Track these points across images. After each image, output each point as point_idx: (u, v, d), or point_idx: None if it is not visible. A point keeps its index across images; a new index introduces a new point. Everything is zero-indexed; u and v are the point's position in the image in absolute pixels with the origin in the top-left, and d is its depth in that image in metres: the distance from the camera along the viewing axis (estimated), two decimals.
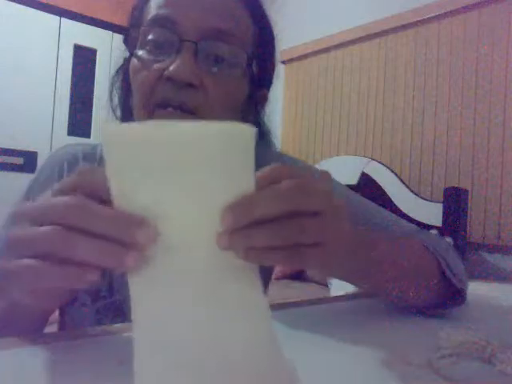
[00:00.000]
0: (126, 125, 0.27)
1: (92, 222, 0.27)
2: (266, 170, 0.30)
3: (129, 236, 0.26)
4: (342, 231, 0.33)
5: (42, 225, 0.29)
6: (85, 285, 0.28)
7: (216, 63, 0.49)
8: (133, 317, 0.28)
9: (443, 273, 0.52)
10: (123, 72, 0.58)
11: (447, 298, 0.53)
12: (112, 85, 0.60)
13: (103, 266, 0.28)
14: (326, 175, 0.34)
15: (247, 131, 0.27)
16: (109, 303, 0.57)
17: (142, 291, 0.28)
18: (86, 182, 0.29)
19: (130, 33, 0.53)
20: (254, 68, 0.53)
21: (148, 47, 0.49)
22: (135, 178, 0.26)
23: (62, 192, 0.30)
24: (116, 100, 0.60)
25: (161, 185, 0.26)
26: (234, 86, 0.51)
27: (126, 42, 0.54)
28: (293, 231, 0.29)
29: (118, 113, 0.60)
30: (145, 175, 0.26)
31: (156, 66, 0.48)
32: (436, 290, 0.52)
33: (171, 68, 0.46)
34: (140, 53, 0.50)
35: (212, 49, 0.48)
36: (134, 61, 0.51)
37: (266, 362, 0.29)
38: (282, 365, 0.29)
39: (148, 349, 0.28)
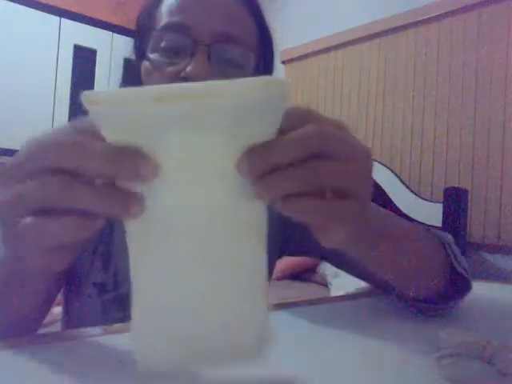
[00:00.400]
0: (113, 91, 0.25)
1: (87, 159, 0.25)
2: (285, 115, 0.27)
3: (130, 169, 0.25)
4: (371, 179, 0.32)
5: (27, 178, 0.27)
6: (92, 234, 0.27)
7: (227, 65, 0.51)
8: (131, 272, 0.28)
9: (451, 264, 0.53)
10: (131, 74, 0.60)
11: (451, 293, 0.53)
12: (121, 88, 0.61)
13: (106, 213, 0.26)
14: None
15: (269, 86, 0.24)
16: (113, 296, 0.57)
17: (138, 241, 0.28)
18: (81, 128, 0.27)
19: (139, 36, 0.56)
20: (260, 68, 0.56)
21: (162, 51, 0.52)
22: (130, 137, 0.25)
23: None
24: None
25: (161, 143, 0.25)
26: None
27: (135, 45, 0.56)
28: (319, 172, 0.27)
29: None
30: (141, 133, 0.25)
31: (171, 68, 0.51)
32: (442, 281, 0.52)
33: (188, 69, 0.49)
34: (153, 56, 0.52)
35: (223, 51, 0.51)
36: (147, 64, 0.53)
37: (254, 319, 0.29)
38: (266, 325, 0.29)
39: (145, 306, 0.28)
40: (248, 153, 0.26)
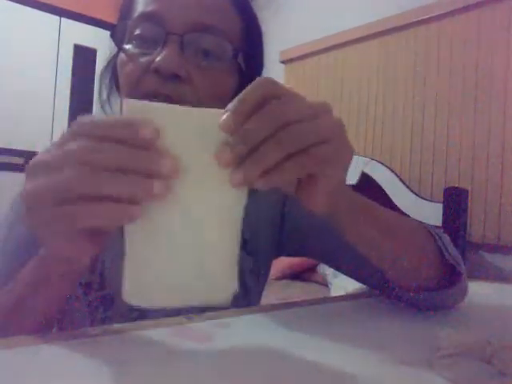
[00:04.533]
0: (148, 103, 0.31)
1: (112, 154, 0.29)
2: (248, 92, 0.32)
3: (153, 165, 0.29)
4: (339, 123, 0.35)
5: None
6: (129, 222, 0.31)
7: (202, 56, 0.50)
8: None
9: (441, 254, 0.52)
10: (112, 67, 0.59)
11: (442, 282, 0.53)
12: (100, 81, 0.61)
13: (134, 198, 0.30)
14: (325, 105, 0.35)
15: None
16: (100, 296, 0.57)
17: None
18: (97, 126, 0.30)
19: (117, 28, 0.54)
20: (243, 61, 0.54)
21: (135, 41, 0.51)
22: None
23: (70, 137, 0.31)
24: (105, 95, 0.60)
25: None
26: (220, 78, 0.52)
27: (112, 36, 0.55)
28: (295, 133, 0.31)
29: (108, 108, 0.60)
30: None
31: (143, 59, 0.50)
32: (433, 269, 0.52)
33: (157, 59, 0.48)
34: (127, 47, 0.51)
35: (197, 41, 0.50)
36: (122, 55, 0.52)
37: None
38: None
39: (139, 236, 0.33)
40: (222, 147, 0.31)
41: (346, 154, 0.35)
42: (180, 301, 0.37)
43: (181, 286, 0.36)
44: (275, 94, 0.32)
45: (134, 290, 0.35)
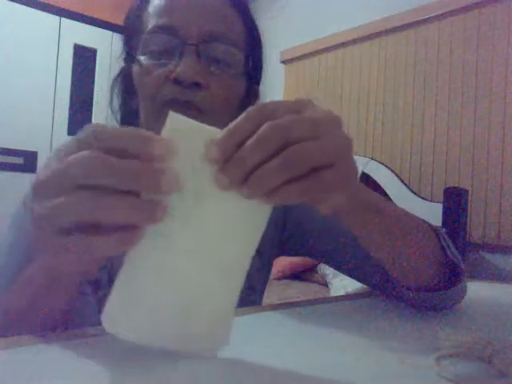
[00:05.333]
0: (191, 121, 0.30)
1: (117, 175, 0.27)
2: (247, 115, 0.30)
3: (154, 183, 0.28)
4: (347, 141, 0.33)
5: (59, 192, 0.28)
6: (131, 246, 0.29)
7: (216, 63, 0.53)
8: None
9: (443, 252, 0.53)
10: (123, 76, 0.60)
11: (444, 281, 0.53)
12: (112, 90, 0.62)
13: (137, 223, 0.29)
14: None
15: None
16: (108, 292, 0.57)
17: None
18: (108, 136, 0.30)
19: (129, 39, 0.56)
20: (248, 66, 0.56)
21: (151, 53, 0.53)
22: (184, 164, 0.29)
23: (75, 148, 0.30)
24: (116, 104, 0.61)
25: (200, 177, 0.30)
26: (233, 84, 0.54)
27: (126, 48, 0.56)
28: (301, 154, 0.29)
29: (119, 116, 0.61)
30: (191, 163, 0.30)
31: (161, 69, 0.52)
32: (435, 267, 0.52)
33: (178, 69, 0.50)
34: (143, 58, 0.53)
35: (212, 50, 0.52)
36: (138, 66, 0.54)
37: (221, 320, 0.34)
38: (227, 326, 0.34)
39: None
40: (222, 168, 0.29)
41: (350, 178, 0.33)
42: (161, 341, 0.33)
43: (166, 326, 0.33)
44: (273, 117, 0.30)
45: (115, 316, 0.32)
